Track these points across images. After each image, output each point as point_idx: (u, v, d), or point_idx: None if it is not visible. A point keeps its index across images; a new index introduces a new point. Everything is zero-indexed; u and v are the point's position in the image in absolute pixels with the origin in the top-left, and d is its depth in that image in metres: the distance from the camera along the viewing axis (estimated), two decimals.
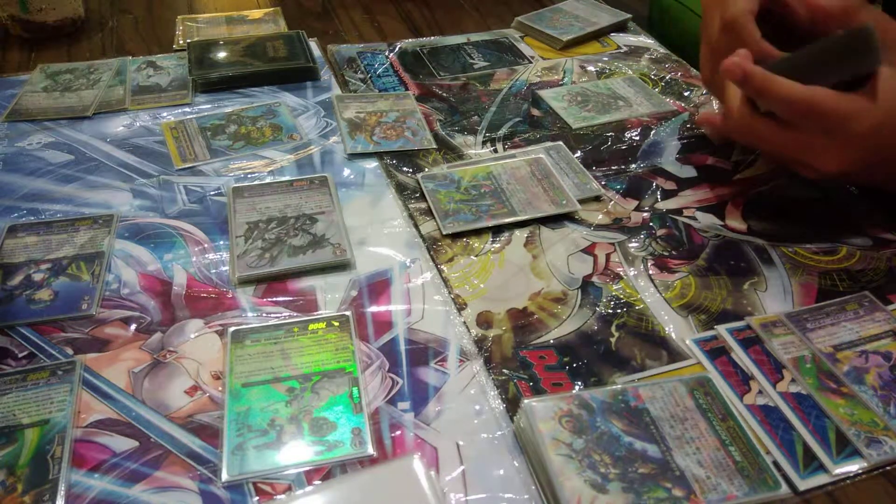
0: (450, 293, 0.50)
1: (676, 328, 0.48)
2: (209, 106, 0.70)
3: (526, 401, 0.40)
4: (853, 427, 0.41)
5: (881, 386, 0.43)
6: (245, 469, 0.38)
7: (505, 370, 0.44)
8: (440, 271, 0.52)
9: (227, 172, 0.61)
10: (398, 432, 0.40)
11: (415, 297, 0.49)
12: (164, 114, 0.69)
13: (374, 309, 0.48)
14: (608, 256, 0.53)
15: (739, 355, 0.45)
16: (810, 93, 0.47)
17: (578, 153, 0.65)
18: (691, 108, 0.72)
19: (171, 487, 0.37)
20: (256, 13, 0.90)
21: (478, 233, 0.55)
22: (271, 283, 0.50)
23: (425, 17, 0.92)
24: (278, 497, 0.37)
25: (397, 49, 0.82)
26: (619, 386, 0.42)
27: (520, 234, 0.55)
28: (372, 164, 0.63)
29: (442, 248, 0.54)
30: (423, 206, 0.58)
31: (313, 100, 0.72)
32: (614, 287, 0.51)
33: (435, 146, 0.66)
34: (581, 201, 0.58)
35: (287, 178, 0.60)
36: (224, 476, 0.37)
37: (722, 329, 0.47)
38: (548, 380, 0.44)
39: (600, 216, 0.58)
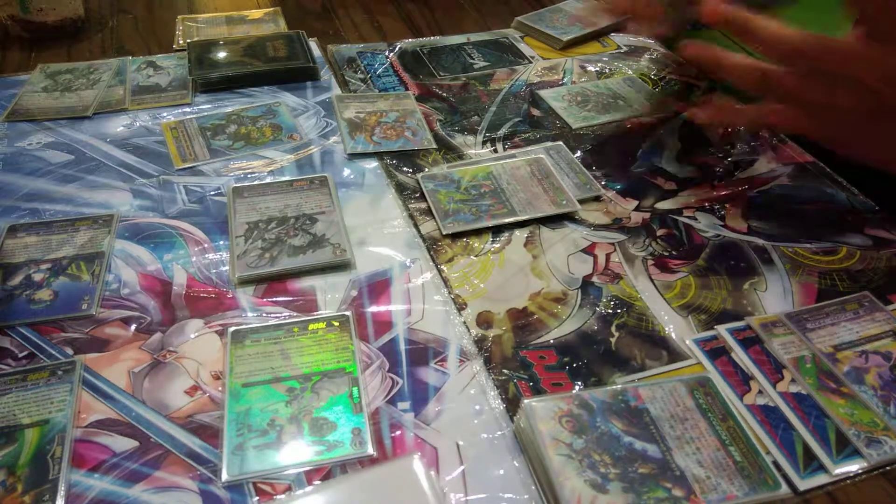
0: (450, 293, 0.50)
1: (676, 328, 0.48)
2: (209, 106, 0.70)
3: (526, 401, 0.40)
4: (853, 427, 0.41)
5: (881, 386, 0.43)
6: (245, 469, 0.38)
7: (505, 370, 0.44)
8: (440, 271, 0.52)
9: (227, 172, 0.61)
10: (398, 432, 0.40)
11: (415, 297, 0.49)
12: (164, 114, 0.69)
13: (374, 309, 0.48)
14: (608, 256, 0.53)
15: (739, 355, 0.45)
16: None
17: (578, 153, 0.65)
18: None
19: (171, 487, 0.37)
20: (256, 13, 0.90)
21: (478, 233, 0.55)
22: (271, 283, 0.50)
23: (425, 17, 0.92)
24: (278, 497, 0.37)
25: (397, 49, 0.82)
26: (619, 386, 0.42)
27: (520, 234, 0.55)
28: (372, 164, 0.63)
29: (442, 248, 0.54)
30: (423, 206, 0.58)
31: (313, 100, 0.72)
32: (614, 287, 0.51)
33: (435, 146, 0.66)
34: (581, 201, 0.58)
35: (287, 178, 0.60)
36: (224, 476, 0.37)
37: (722, 329, 0.47)
38: (548, 380, 0.44)
39: (600, 216, 0.58)
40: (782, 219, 0.58)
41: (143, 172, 0.61)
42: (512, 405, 0.42)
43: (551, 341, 0.46)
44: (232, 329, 0.45)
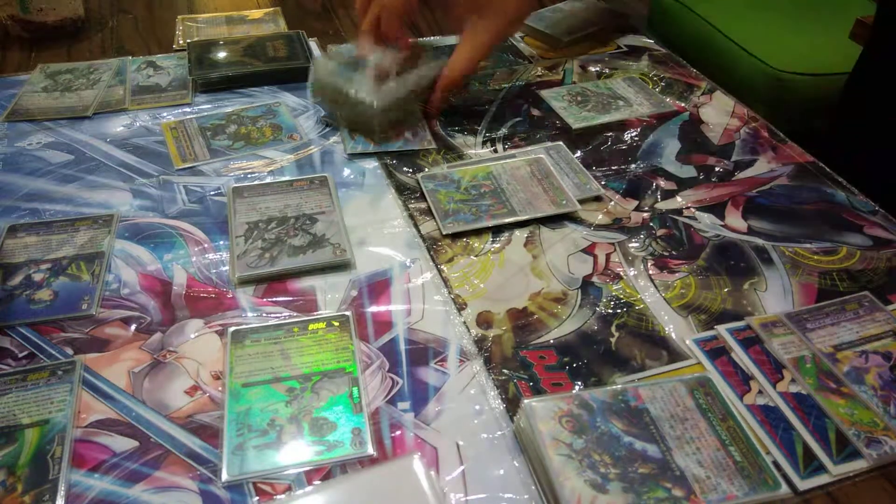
0: (450, 293, 0.50)
1: (676, 328, 0.48)
2: (209, 106, 0.70)
3: (526, 401, 0.40)
4: (853, 427, 0.41)
5: (881, 386, 0.43)
6: (245, 469, 0.38)
7: (505, 370, 0.44)
8: (440, 271, 0.52)
9: (227, 172, 0.61)
10: (398, 432, 0.40)
11: (415, 297, 0.49)
12: (164, 114, 0.69)
13: (374, 309, 0.48)
14: (608, 256, 0.53)
15: (739, 355, 0.45)
16: None
17: (578, 153, 0.65)
18: (691, 108, 0.72)
19: (171, 487, 0.37)
20: (256, 13, 0.90)
21: (478, 233, 0.55)
22: (271, 283, 0.50)
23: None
24: (278, 497, 0.37)
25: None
26: (619, 386, 0.42)
27: (520, 234, 0.55)
28: (372, 164, 0.63)
29: (442, 248, 0.54)
30: (423, 206, 0.58)
31: (313, 100, 0.72)
32: (614, 287, 0.51)
33: (435, 146, 0.66)
34: (581, 201, 0.58)
35: (287, 178, 0.60)
36: (224, 476, 0.37)
37: (722, 329, 0.47)
38: (548, 380, 0.44)
39: (600, 216, 0.58)
40: (782, 219, 0.58)
41: (143, 172, 0.61)
42: (512, 405, 0.42)
43: (551, 341, 0.46)
44: (232, 329, 0.45)
